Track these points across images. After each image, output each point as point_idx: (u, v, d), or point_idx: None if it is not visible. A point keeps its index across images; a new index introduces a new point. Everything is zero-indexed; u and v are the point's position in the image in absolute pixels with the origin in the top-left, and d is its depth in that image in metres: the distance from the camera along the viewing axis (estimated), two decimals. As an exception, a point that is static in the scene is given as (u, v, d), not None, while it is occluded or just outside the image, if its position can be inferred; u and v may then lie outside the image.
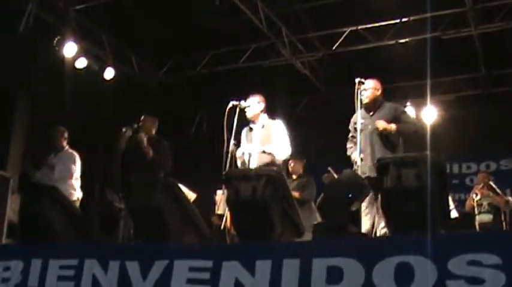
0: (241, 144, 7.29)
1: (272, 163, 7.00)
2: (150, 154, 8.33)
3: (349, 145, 7.33)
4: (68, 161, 8.81)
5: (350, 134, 7.35)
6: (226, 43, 12.76)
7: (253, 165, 7.05)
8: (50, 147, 8.97)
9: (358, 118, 6.88)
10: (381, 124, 6.88)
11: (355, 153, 6.99)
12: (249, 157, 7.11)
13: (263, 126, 7.24)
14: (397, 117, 7.11)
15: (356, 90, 7.00)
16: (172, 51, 13.33)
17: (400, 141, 7.10)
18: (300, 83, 13.46)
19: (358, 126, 6.81)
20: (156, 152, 8.37)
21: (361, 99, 7.07)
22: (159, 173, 8.32)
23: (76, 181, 8.80)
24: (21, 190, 9.67)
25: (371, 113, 7.16)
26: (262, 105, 7.36)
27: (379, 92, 7.24)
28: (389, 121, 6.99)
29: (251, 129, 7.35)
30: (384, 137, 6.93)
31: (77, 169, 8.85)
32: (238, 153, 7.18)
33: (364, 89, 7.11)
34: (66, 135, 8.96)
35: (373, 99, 7.16)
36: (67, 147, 8.95)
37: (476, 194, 10.76)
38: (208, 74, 13.25)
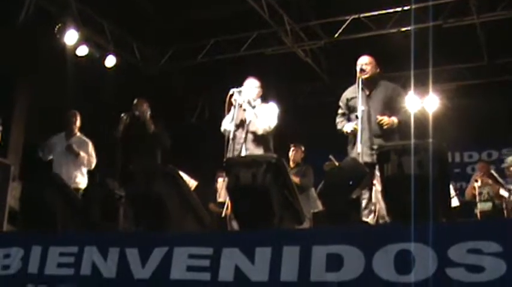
0: (227, 119, 7.23)
1: (259, 141, 7.06)
2: (152, 128, 8.39)
3: (339, 119, 7.15)
4: (89, 148, 9.06)
5: (340, 111, 7.17)
6: (228, 31, 12.75)
7: (237, 141, 7.06)
8: (66, 130, 9.07)
9: (359, 105, 6.74)
10: (386, 121, 6.70)
11: (346, 125, 6.88)
12: (234, 132, 7.09)
13: (254, 107, 7.18)
14: (393, 98, 6.95)
15: (358, 79, 6.90)
16: (174, 38, 13.31)
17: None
18: (302, 71, 13.45)
19: (359, 114, 6.69)
20: (155, 129, 8.47)
21: (359, 77, 6.86)
22: (158, 150, 8.45)
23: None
24: (23, 177, 9.68)
25: (367, 93, 6.92)
26: (260, 91, 7.33)
27: (378, 70, 7.06)
28: (385, 101, 6.85)
29: (244, 110, 7.24)
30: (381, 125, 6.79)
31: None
32: (224, 126, 7.21)
33: (366, 64, 6.95)
34: (78, 119, 9.11)
35: (373, 76, 6.96)
36: (79, 133, 9.10)
37: (477, 181, 10.74)
38: (210, 61, 13.22)
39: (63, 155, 8.90)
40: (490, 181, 10.69)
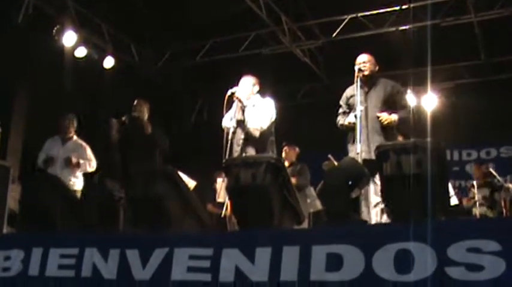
0: (228, 116, 7.21)
1: (258, 141, 7.02)
2: (149, 130, 8.38)
3: (340, 117, 7.15)
4: (87, 152, 9.10)
5: (341, 110, 7.18)
6: (226, 31, 12.74)
7: (236, 140, 7.04)
8: (61, 135, 9.08)
9: (358, 105, 6.76)
10: (384, 118, 6.75)
11: (350, 116, 6.87)
12: (234, 130, 7.09)
13: (254, 106, 7.15)
14: (393, 95, 6.96)
15: (356, 78, 6.91)
16: (172, 39, 13.32)
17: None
18: (300, 71, 13.46)
19: (358, 114, 6.69)
20: (153, 130, 8.44)
21: (357, 76, 6.88)
22: (156, 152, 8.42)
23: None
24: (22, 179, 9.69)
25: (366, 90, 6.96)
26: (256, 88, 7.28)
27: (377, 68, 7.10)
28: (385, 99, 6.87)
29: (243, 109, 7.20)
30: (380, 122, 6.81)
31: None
32: (225, 123, 7.19)
33: (364, 62, 7.00)
34: (75, 123, 9.11)
35: (371, 74, 7.00)
36: (75, 136, 9.10)
37: (473, 186, 10.83)
38: (208, 62, 13.23)
39: (58, 159, 8.92)
40: (485, 181, 10.79)
